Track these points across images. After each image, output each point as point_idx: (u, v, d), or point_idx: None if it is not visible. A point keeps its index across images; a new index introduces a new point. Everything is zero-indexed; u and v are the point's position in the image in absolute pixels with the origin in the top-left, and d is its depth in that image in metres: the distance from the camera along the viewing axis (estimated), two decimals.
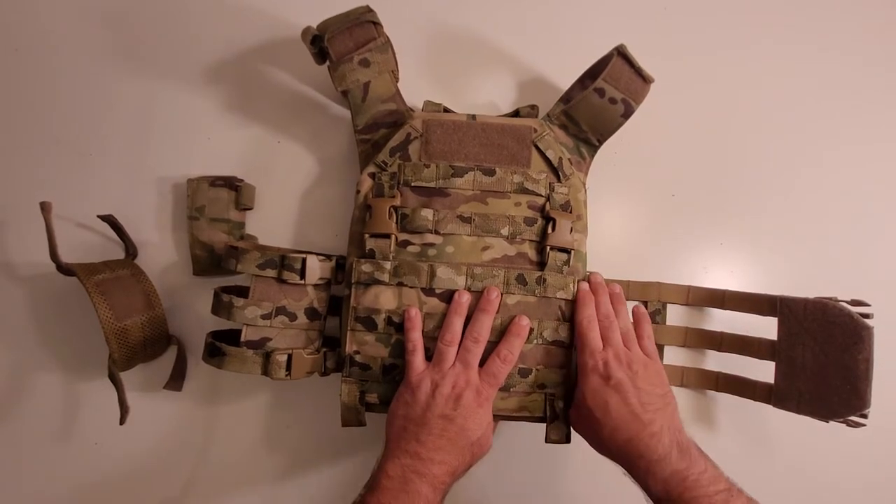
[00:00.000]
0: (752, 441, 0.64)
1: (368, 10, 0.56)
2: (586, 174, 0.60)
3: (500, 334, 0.54)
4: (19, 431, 0.64)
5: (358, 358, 0.55)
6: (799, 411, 0.57)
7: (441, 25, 0.67)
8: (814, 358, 0.56)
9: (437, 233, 0.55)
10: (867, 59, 0.68)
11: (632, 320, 0.58)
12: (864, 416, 0.54)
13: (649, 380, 0.53)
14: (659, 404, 0.52)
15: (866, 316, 0.54)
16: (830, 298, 0.56)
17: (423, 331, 0.54)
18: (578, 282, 0.56)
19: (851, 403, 0.53)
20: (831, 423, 0.55)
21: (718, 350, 0.63)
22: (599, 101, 0.57)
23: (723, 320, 0.64)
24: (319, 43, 0.55)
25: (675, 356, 0.65)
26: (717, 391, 0.63)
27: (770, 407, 0.59)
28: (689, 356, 0.65)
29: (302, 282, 0.55)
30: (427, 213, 0.55)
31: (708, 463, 0.50)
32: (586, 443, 0.64)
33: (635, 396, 0.51)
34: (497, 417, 0.55)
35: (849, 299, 0.55)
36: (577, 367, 0.55)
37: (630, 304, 0.61)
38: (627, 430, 0.50)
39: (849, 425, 0.54)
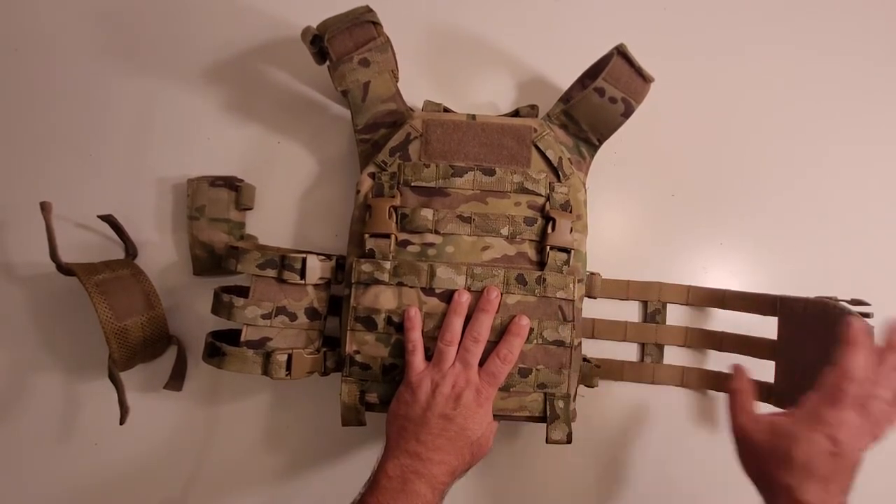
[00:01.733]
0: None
1: (368, 9, 0.56)
2: (586, 174, 0.60)
3: (500, 334, 0.54)
4: (19, 431, 0.64)
5: (358, 358, 0.55)
6: None
7: (441, 25, 0.67)
8: (813, 358, 0.55)
9: (436, 232, 0.55)
10: (867, 59, 0.68)
11: None
12: None
13: (856, 463, 0.46)
14: (846, 489, 0.46)
15: (866, 315, 0.53)
16: (830, 298, 0.55)
17: (422, 330, 0.54)
18: (846, 320, 0.49)
19: None
20: None
21: (719, 350, 0.63)
22: (599, 100, 0.57)
23: (723, 320, 0.64)
24: (319, 43, 0.55)
25: (674, 356, 0.65)
26: (717, 391, 0.63)
27: (771, 407, 0.59)
28: (690, 356, 0.65)
29: (302, 282, 0.55)
30: (427, 213, 0.55)
31: None
32: (585, 443, 0.64)
33: (837, 476, 0.45)
34: (497, 417, 0.55)
35: (849, 299, 0.55)
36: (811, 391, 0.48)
37: None
38: (801, 489, 0.45)
39: None
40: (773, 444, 0.48)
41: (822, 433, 0.46)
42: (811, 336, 0.56)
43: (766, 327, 0.60)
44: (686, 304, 0.64)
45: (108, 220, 0.62)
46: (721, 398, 0.64)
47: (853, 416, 0.46)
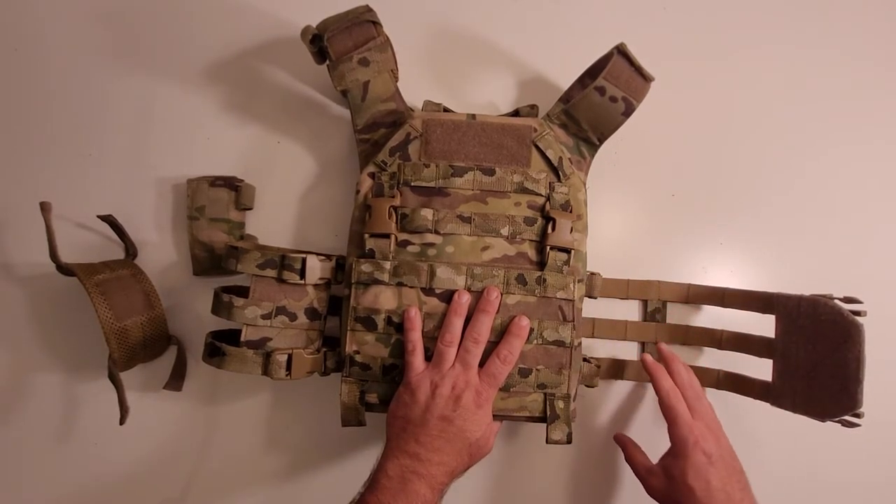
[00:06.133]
0: (750, 439, 0.64)
1: (368, 9, 0.56)
2: (586, 174, 0.60)
3: (500, 334, 0.54)
4: (19, 431, 0.64)
5: (358, 358, 0.55)
6: (794, 410, 0.56)
7: (441, 25, 0.67)
8: (807, 356, 0.55)
9: (436, 232, 0.55)
10: (867, 59, 0.68)
11: None
12: (858, 416, 0.51)
13: (731, 453, 0.52)
14: (743, 481, 0.51)
15: (857, 313, 0.52)
16: (824, 295, 0.55)
17: (422, 331, 0.54)
18: (644, 354, 0.59)
19: (842, 403, 0.51)
20: (827, 422, 0.54)
21: (719, 348, 0.63)
22: (600, 99, 0.56)
23: (723, 319, 0.64)
24: (319, 42, 0.55)
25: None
26: (717, 389, 0.63)
27: (770, 406, 0.58)
28: (690, 354, 0.65)
29: (302, 282, 0.55)
30: (427, 213, 0.55)
31: None
32: (585, 443, 0.64)
33: (728, 475, 0.50)
34: (497, 417, 0.55)
35: (842, 297, 0.54)
36: (673, 441, 0.53)
37: None
38: None
39: (843, 425, 0.53)
40: (672, 486, 0.52)
41: (694, 451, 0.51)
42: (805, 334, 0.55)
43: (766, 325, 0.59)
44: (686, 303, 0.64)
45: (108, 220, 0.62)
46: (722, 397, 0.64)
47: (702, 427, 0.52)
